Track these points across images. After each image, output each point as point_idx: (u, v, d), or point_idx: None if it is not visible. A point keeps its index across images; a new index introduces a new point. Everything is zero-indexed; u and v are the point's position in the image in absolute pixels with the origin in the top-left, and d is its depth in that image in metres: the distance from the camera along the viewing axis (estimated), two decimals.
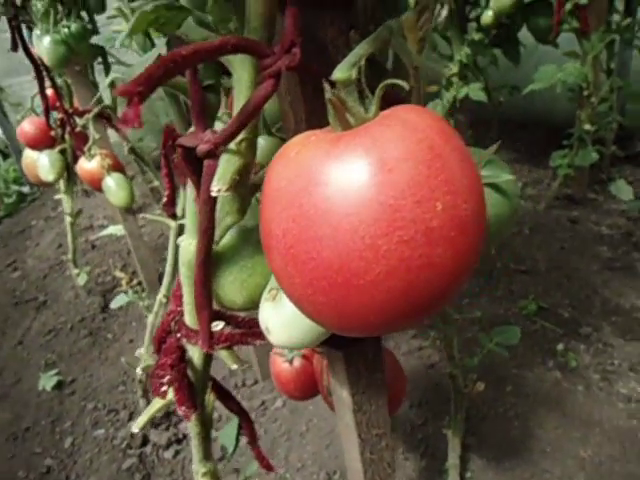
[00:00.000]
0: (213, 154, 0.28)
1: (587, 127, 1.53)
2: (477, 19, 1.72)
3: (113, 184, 1.19)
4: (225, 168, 0.27)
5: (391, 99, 0.27)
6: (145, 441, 1.06)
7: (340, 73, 0.23)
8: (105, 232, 1.62)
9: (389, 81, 0.22)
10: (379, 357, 0.45)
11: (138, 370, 0.38)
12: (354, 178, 0.20)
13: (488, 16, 1.62)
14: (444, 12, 1.71)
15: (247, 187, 0.31)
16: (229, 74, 0.31)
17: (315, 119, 0.31)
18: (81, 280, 1.48)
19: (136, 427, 0.39)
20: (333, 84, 0.24)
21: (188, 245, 0.35)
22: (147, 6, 0.23)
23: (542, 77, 1.45)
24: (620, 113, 1.73)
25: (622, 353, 1.14)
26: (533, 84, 1.45)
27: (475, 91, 1.68)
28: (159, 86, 0.20)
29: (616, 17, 1.48)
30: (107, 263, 1.77)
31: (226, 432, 0.97)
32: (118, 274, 1.56)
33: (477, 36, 1.74)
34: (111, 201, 1.22)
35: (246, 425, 0.51)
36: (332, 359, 0.44)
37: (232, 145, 0.28)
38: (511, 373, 1.12)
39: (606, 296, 1.30)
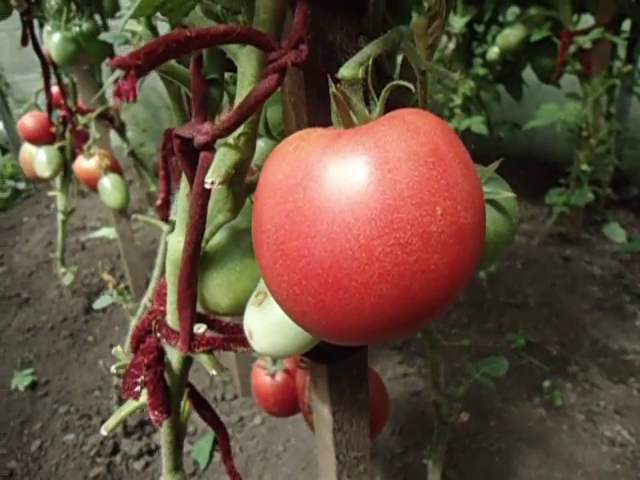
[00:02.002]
0: (210, 146, 0.27)
1: (584, 167, 1.54)
2: (482, 55, 1.76)
3: (109, 185, 1.18)
4: (221, 161, 0.26)
5: (397, 107, 0.27)
6: (115, 450, 1.02)
7: (346, 71, 0.22)
8: (97, 234, 1.60)
9: (395, 82, 0.22)
10: (364, 376, 0.43)
11: (112, 368, 0.37)
12: (352, 175, 0.20)
13: (494, 52, 1.65)
14: (451, 45, 1.75)
15: (242, 186, 0.31)
16: (233, 71, 0.31)
17: (318, 122, 0.31)
18: (67, 280, 1.46)
19: (105, 429, 0.38)
20: (338, 82, 0.23)
21: (177, 242, 0.34)
22: None
23: (543, 115, 1.47)
24: (617, 157, 1.76)
25: (608, 395, 1.12)
26: (534, 121, 1.47)
27: (477, 124, 1.70)
28: (159, 64, 0.19)
29: (618, 63, 1.52)
30: (95, 265, 1.74)
31: (200, 446, 0.94)
32: (105, 277, 1.53)
33: (482, 71, 1.78)
34: (105, 202, 1.21)
35: (221, 439, 0.49)
36: (315, 374, 0.42)
37: (230, 139, 0.27)
38: (496, 407, 1.10)
39: (595, 336, 1.29)
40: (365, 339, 0.23)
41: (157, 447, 1.02)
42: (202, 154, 0.27)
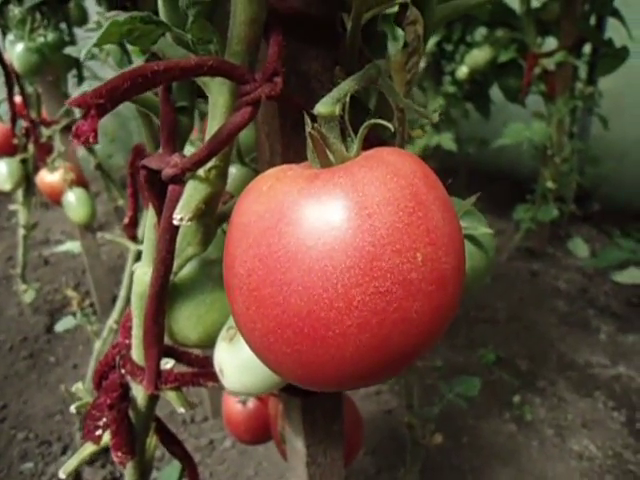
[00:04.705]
0: (179, 179, 0.25)
1: (549, 185, 1.59)
2: (452, 73, 1.80)
3: (74, 199, 1.14)
4: (190, 196, 0.25)
5: (372, 140, 0.26)
6: (78, 479, 0.97)
7: (323, 108, 0.21)
8: (61, 248, 1.54)
9: (373, 121, 0.21)
10: (339, 407, 0.42)
11: (72, 408, 0.34)
12: (330, 220, 0.19)
13: (463, 72, 1.69)
14: (421, 64, 1.78)
15: (213, 217, 0.29)
16: (205, 97, 0.30)
17: (291, 153, 0.30)
18: (28, 297, 1.39)
19: (63, 473, 0.35)
20: (314, 118, 0.22)
21: (143, 274, 0.33)
22: (121, 16, 0.21)
23: (511, 133, 1.51)
24: (579, 174, 1.82)
25: (575, 409, 1.14)
26: (502, 139, 1.51)
27: (446, 141, 1.73)
28: (123, 101, 0.18)
29: (579, 85, 1.58)
30: (59, 281, 1.68)
31: (167, 473, 0.91)
32: (70, 293, 1.47)
33: (451, 89, 1.82)
34: (70, 217, 1.16)
35: (190, 472, 0.47)
36: (288, 406, 0.41)
37: (200, 172, 0.26)
38: (468, 424, 1.10)
39: (562, 350, 1.32)
40: (342, 386, 0.22)
41: (122, 475, 0.98)
42: (170, 187, 0.26)
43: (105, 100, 0.17)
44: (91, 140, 0.16)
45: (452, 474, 0.99)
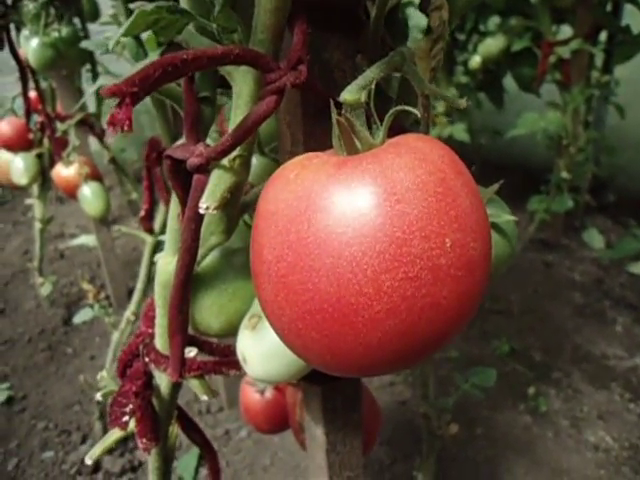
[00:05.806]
0: (204, 169, 0.26)
1: (564, 175, 1.57)
2: (464, 63, 1.78)
3: (89, 193, 1.15)
4: (216, 185, 0.25)
5: (395, 128, 0.26)
6: (97, 468, 0.99)
7: (349, 95, 0.21)
8: (76, 241, 1.56)
9: (399, 107, 0.21)
10: (358, 395, 0.43)
11: (98, 396, 0.35)
12: (359, 206, 0.19)
13: (476, 61, 1.67)
14: None
15: (236, 207, 0.30)
16: (224, 88, 0.30)
17: (313, 142, 0.30)
18: (45, 290, 1.42)
19: (89, 458, 0.36)
20: (339, 106, 0.22)
21: (166, 264, 0.33)
22: (147, 6, 0.21)
23: (525, 123, 1.49)
24: (595, 164, 1.80)
25: (591, 400, 1.14)
26: (516, 129, 1.49)
27: (459, 131, 1.72)
28: (154, 89, 0.18)
29: (595, 73, 1.55)
30: (75, 274, 1.70)
31: (185, 462, 0.92)
32: (85, 286, 1.49)
33: (464, 79, 1.80)
34: (86, 210, 1.18)
35: (210, 459, 0.48)
36: (308, 394, 0.41)
37: (225, 161, 0.26)
38: (482, 415, 1.10)
39: (577, 342, 1.31)
40: (369, 372, 0.22)
41: (140, 464, 1.00)
42: (195, 177, 0.26)
43: (138, 88, 0.17)
44: (126, 127, 0.16)
45: (467, 465, 0.99)
